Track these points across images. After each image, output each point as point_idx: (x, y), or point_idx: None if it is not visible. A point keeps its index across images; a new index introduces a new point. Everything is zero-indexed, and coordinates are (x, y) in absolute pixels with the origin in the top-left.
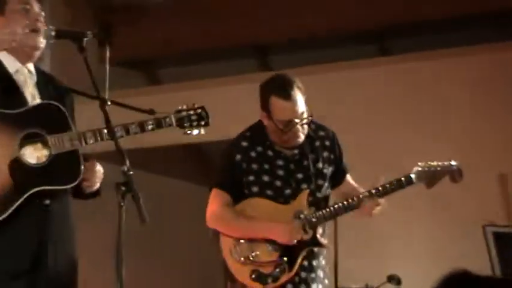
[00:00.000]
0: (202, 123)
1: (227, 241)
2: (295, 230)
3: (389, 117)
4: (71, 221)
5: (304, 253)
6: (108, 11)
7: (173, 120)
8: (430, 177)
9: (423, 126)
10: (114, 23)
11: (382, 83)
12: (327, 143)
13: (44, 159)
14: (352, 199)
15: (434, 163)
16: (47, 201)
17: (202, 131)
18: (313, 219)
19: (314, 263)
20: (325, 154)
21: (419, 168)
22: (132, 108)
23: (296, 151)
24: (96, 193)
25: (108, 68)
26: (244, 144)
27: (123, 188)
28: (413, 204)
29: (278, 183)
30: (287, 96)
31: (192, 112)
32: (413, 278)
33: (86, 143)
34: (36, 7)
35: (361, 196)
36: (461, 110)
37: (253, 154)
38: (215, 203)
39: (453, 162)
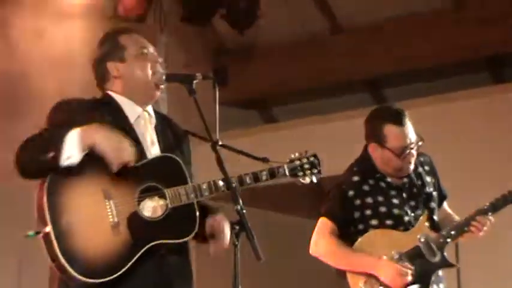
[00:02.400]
0: (315, 171)
1: (355, 280)
2: (403, 272)
3: (503, 147)
4: (188, 269)
5: (433, 278)
6: (222, 52)
7: (286, 170)
8: None
9: None
10: (229, 65)
11: (496, 112)
12: (427, 167)
13: (161, 211)
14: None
15: None
16: (163, 252)
17: (315, 179)
18: (441, 240)
19: (441, 286)
20: (428, 179)
21: None
22: (245, 154)
23: (405, 179)
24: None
25: (217, 109)
26: (356, 179)
27: (237, 227)
28: None
29: (396, 211)
30: (402, 123)
31: (305, 161)
32: None
33: (202, 195)
34: (152, 50)
35: (474, 214)
36: None
37: (366, 188)
38: (323, 232)
39: None
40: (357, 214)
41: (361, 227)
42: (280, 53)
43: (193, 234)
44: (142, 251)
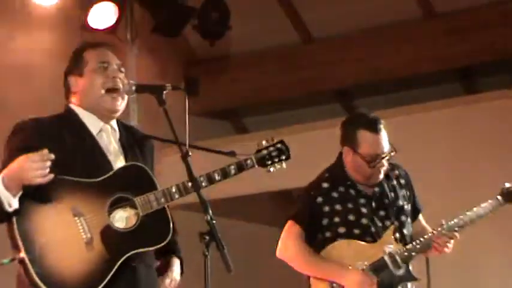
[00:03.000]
0: (283, 157)
1: (320, 284)
2: (368, 282)
3: (473, 157)
4: (155, 277)
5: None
6: (194, 63)
7: (254, 161)
8: None
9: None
10: (201, 75)
11: (467, 121)
12: (402, 181)
13: (133, 220)
14: (438, 231)
15: None
16: (134, 264)
17: (284, 165)
18: (405, 254)
19: None
20: (402, 192)
21: (505, 189)
22: (212, 151)
23: (376, 189)
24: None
25: (187, 119)
26: (325, 185)
27: (207, 238)
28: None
29: (364, 221)
30: (376, 130)
31: (272, 148)
32: None
33: (172, 199)
34: (114, 64)
35: (439, 229)
36: None
37: (335, 195)
38: (291, 235)
39: None
40: (325, 221)
41: (328, 234)
42: (251, 63)
43: (169, 237)
44: (118, 263)
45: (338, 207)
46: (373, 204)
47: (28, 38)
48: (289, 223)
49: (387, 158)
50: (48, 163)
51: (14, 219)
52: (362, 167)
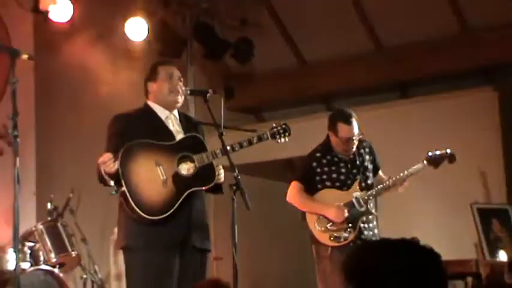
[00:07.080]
0: (287, 133)
1: (311, 219)
2: (341, 212)
3: (403, 138)
4: (205, 210)
5: (362, 220)
6: (230, 77)
7: (269, 135)
8: (436, 161)
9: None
10: (235, 85)
11: (402, 118)
12: (367, 150)
13: (192, 171)
14: (387, 182)
15: (437, 151)
16: (193, 199)
17: (287, 139)
18: (365, 197)
19: (370, 225)
20: (367, 157)
21: (428, 156)
22: (240, 129)
23: (351, 156)
24: (220, 191)
25: (222, 112)
26: (318, 155)
27: (234, 187)
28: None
29: (342, 177)
30: (349, 122)
31: (279, 128)
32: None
33: (216, 157)
34: (176, 75)
35: (395, 178)
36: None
37: (324, 161)
38: (295, 188)
39: (448, 150)
40: (317, 178)
41: (319, 186)
42: (267, 77)
43: (214, 182)
44: (184, 195)
45: (326, 169)
46: (349, 166)
47: (124, 64)
48: (294, 182)
49: (357, 138)
50: (111, 159)
51: (119, 163)
52: (340, 145)
